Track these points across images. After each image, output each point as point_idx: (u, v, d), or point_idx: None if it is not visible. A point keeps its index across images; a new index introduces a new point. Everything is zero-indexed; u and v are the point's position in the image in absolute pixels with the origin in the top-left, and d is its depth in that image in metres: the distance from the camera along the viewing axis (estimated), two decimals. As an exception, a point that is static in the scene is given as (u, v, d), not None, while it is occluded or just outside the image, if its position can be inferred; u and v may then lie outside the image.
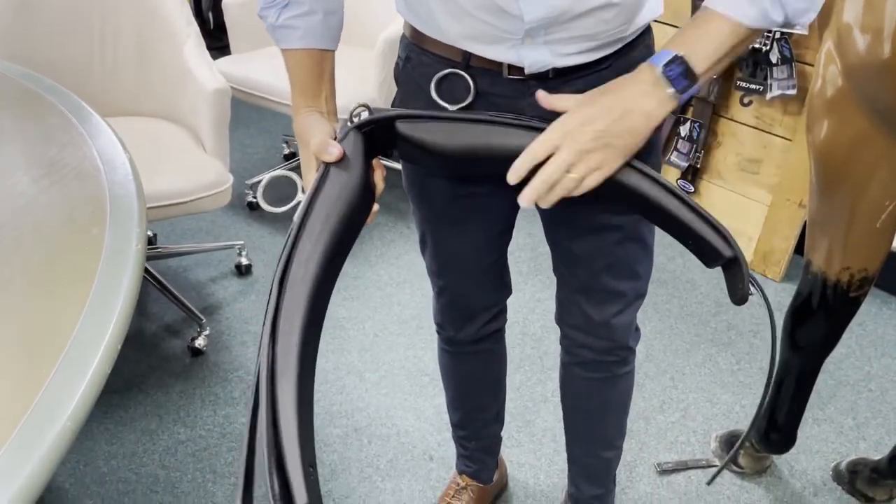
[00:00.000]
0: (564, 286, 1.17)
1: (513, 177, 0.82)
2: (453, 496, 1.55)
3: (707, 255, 0.90)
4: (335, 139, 0.86)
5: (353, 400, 1.87)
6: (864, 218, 1.22)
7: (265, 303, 2.16)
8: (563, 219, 1.07)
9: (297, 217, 0.79)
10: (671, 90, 0.80)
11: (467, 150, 0.87)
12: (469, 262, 1.18)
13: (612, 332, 1.17)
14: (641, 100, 0.80)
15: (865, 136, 1.16)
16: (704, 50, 0.80)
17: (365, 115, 0.87)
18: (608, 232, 1.05)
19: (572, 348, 1.24)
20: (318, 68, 0.95)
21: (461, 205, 1.08)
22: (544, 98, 0.84)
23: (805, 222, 1.94)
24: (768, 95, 2.08)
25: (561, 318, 1.22)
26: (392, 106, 1.02)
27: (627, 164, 0.83)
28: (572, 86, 0.90)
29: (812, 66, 2.05)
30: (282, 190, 1.01)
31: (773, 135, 2.19)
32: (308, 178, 0.88)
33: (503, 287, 1.27)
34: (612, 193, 0.85)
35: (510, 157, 0.82)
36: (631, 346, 1.21)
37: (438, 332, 1.34)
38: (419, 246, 1.22)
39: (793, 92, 2.05)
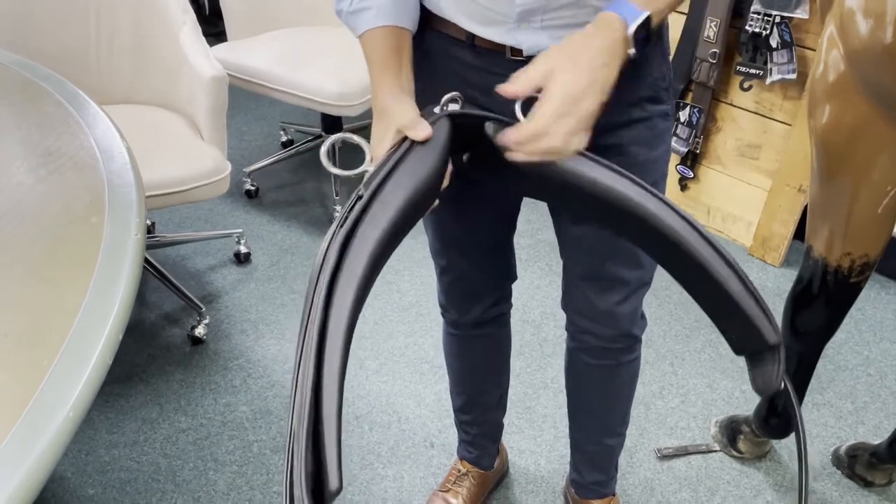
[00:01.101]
0: (569, 272, 1.17)
1: (511, 150, 0.78)
2: (455, 482, 1.56)
3: (744, 340, 0.79)
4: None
5: (353, 388, 1.87)
6: (865, 203, 1.21)
7: (264, 291, 2.17)
8: (568, 202, 1.07)
9: (371, 183, 0.77)
10: (631, 51, 0.78)
11: (557, 177, 0.80)
12: (471, 245, 1.18)
13: (617, 320, 1.16)
14: (610, 59, 0.76)
15: (867, 121, 1.15)
16: (659, 6, 0.79)
17: (455, 106, 0.87)
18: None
19: (577, 334, 1.23)
20: (396, 44, 0.92)
21: (461, 188, 1.07)
22: (507, 89, 0.78)
23: (805, 207, 1.94)
24: (768, 80, 2.07)
25: (566, 304, 1.22)
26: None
27: (679, 216, 0.76)
28: None
29: (812, 50, 2.04)
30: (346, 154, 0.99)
31: (773, 120, 2.18)
32: (379, 150, 0.86)
33: (507, 272, 1.27)
34: (658, 249, 0.81)
35: (593, 194, 0.78)
36: (636, 334, 1.21)
37: (443, 315, 1.35)
38: (422, 223, 1.21)
39: (793, 76, 2.04)
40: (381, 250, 0.73)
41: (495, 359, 1.42)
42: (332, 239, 0.71)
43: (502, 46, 0.92)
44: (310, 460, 0.56)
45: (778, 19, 2.00)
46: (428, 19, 0.97)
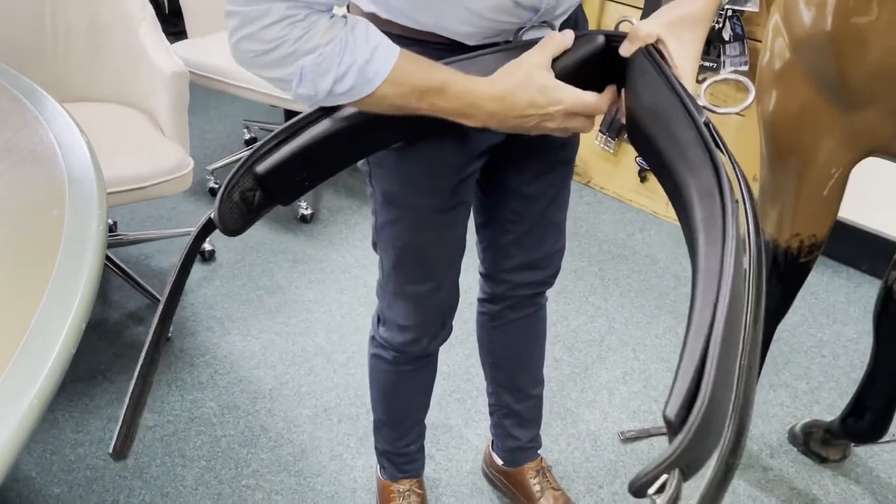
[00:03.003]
0: (507, 233, 1.21)
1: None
2: None
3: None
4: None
5: (321, 381, 1.88)
6: (812, 185, 1.26)
7: (229, 288, 2.16)
8: (525, 163, 1.12)
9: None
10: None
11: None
12: (462, 248, 1.18)
13: (554, 260, 1.26)
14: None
15: (812, 106, 1.20)
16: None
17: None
18: (562, 166, 1.16)
19: (508, 292, 1.29)
20: (423, 58, 0.87)
21: (467, 185, 1.09)
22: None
23: (758, 195, 2.00)
24: (722, 73, 2.13)
25: (496, 268, 1.26)
26: None
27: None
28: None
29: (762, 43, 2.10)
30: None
31: (726, 80, 2.24)
32: (569, 94, 0.87)
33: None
34: None
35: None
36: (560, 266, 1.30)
37: (402, 353, 1.26)
38: (389, 272, 1.16)
39: (745, 68, 2.10)
40: None
41: (432, 384, 1.41)
42: None
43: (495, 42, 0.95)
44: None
45: (730, 12, 2.06)
46: (413, 33, 0.94)
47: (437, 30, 0.93)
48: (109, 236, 2.20)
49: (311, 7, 0.77)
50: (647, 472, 0.54)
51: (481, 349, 1.45)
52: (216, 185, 2.59)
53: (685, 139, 0.75)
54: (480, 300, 1.37)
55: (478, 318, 1.41)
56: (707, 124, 0.75)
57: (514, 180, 1.15)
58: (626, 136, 2.47)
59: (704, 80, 0.97)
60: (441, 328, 1.24)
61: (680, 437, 0.54)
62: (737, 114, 1.05)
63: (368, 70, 0.81)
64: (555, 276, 1.30)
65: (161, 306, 0.96)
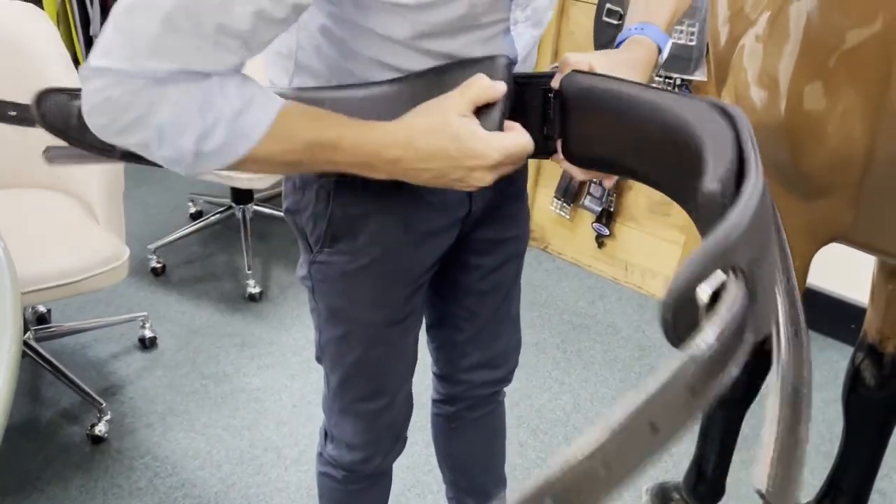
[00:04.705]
0: (461, 332, 1.14)
1: None
2: None
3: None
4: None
5: (271, 480, 1.76)
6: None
7: (172, 378, 2.04)
8: (476, 260, 1.06)
9: None
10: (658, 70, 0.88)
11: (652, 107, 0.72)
12: (414, 357, 1.10)
13: (511, 356, 1.20)
14: (645, 74, 0.84)
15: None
16: (668, 24, 0.88)
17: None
18: (514, 260, 1.10)
19: (466, 392, 1.22)
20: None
21: (421, 292, 1.02)
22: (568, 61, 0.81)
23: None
24: (674, 139, 2.12)
25: (452, 368, 1.20)
26: None
27: None
28: None
29: (713, 109, 2.10)
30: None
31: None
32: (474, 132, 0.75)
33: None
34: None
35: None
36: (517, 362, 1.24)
37: (352, 472, 1.16)
38: (335, 389, 1.07)
39: (697, 136, 2.09)
40: None
41: (387, 499, 1.30)
42: None
43: None
44: None
45: (679, 81, 2.06)
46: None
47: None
48: (40, 329, 2.06)
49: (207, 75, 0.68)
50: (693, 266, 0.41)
51: (438, 453, 1.36)
52: (159, 265, 2.48)
53: (658, 95, 0.70)
54: (435, 401, 1.29)
55: (433, 420, 1.32)
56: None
57: (465, 277, 1.09)
58: (581, 201, 2.44)
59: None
60: (395, 443, 1.15)
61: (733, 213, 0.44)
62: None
63: (242, 123, 0.70)
64: (513, 371, 1.24)
65: None
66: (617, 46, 0.87)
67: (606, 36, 2.18)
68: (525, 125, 0.79)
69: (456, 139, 0.74)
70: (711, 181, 0.50)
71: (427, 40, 0.78)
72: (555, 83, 0.80)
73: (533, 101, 0.82)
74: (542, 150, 0.83)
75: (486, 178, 0.76)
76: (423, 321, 1.18)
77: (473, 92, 0.75)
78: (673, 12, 0.89)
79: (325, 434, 1.16)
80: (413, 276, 0.98)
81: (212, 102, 0.69)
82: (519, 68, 0.87)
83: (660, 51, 0.86)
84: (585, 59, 0.79)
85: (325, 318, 1.01)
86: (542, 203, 2.58)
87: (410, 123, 0.75)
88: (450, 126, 0.74)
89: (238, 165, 0.73)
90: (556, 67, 0.82)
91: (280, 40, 0.83)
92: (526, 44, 0.85)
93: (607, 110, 0.76)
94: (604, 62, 0.79)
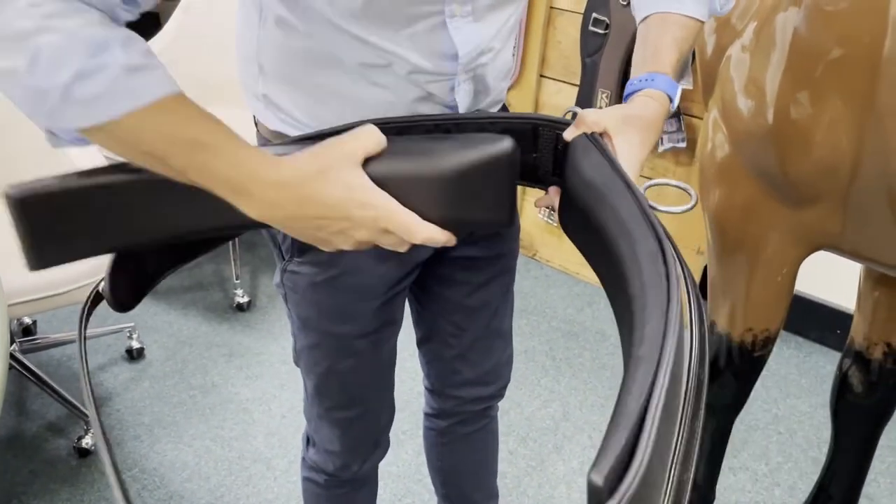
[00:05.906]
0: (450, 348, 1.13)
1: None
2: None
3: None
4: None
5: (261, 491, 1.75)
6: (762, 281, 1.23)
7: (160, 389, 2.02)
8: (462, 276, 1.06)
9: None
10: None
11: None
12: (391, 365, 1.09)
13: (502, 373, 1.20)
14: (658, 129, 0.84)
15: (756, 201, 1.17)
16: (676, 68, 0.86)
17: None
18: (502, 276, 1.09)
19: (457, 408, 1.22)
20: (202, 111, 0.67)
21: (395, 304, 1.00)
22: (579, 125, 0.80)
23: (704, 268, 1.97)
24: (660, 148, 2.13)
25: (443, 383, 1.19)
26: None
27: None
28: None
29: (699, 118, 2.11)
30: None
31: (667, 185, 2.24)
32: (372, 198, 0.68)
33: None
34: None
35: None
36: (509, 378, 1.23)
37: (333, 477, 1.15)
38: (312, 395, 1.07)
39: (683, 145, 2.11)
40: None
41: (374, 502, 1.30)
42: None
43: None
44: None
45: (665, 90, 2.07)
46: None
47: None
48: (26, 340, 2.04)
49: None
50: None
51: (430, 465, 1.36)
52: (146, 275, 2.46)
53: (627, 212, 0.68)
54: (427, 415, 1.29)
55: (425, 434, 1.32)
56: (651, 207, 0.70)
57: (451, 291, 1.08)
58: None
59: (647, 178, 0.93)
60: (374, 448, 1.15)
61: None
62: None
63: (134, 81, 0.60)
64: (505, 387, 1.23)
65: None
66: (625, 97, 0.85)
67: (593, 45, 2.20)
68: (535, 157, 0.82)
69: (349, 188, 0.66)
70: (595, 470, 0.50)
71: (360, 25, 0.76)
72: (567, 136, 0.79)
73: (547, 141, 0.83)
74: (546, 181, 0.85)
75: (378, 238, 0.69)
76: (414, 336, 1.18)
77: (363, 138, 0.68)
78: (678, 55, 0.87)
79: (307, 439, 1.16)
80: (379, 290, 0.96)
81: (107, 47, 0.59)
82: (492, 78, 0.87)
83: (671, 99, 0.85)
84: (601, 120, 0.78)
85: (297, 326, 1.01)
86: (531, 211, 2.58)
87: (298, 164, 0.68)
88: (341, 173, 0.66)
89: (98, 132, 0.62)
90: (572, 114, 0.82)
91: (245, 41, 0.85)
92: (467, 40, 0.81)
93: (592, 210, 0.75)
94: (618, 120, 0.79)
